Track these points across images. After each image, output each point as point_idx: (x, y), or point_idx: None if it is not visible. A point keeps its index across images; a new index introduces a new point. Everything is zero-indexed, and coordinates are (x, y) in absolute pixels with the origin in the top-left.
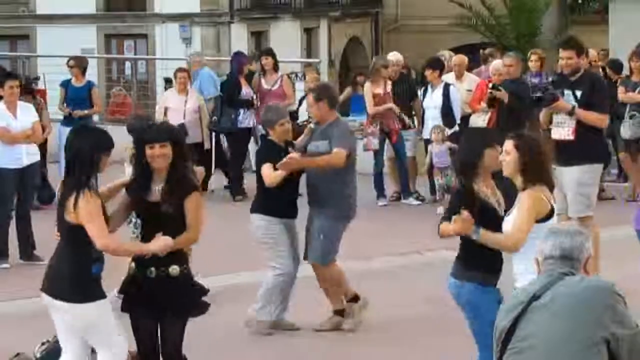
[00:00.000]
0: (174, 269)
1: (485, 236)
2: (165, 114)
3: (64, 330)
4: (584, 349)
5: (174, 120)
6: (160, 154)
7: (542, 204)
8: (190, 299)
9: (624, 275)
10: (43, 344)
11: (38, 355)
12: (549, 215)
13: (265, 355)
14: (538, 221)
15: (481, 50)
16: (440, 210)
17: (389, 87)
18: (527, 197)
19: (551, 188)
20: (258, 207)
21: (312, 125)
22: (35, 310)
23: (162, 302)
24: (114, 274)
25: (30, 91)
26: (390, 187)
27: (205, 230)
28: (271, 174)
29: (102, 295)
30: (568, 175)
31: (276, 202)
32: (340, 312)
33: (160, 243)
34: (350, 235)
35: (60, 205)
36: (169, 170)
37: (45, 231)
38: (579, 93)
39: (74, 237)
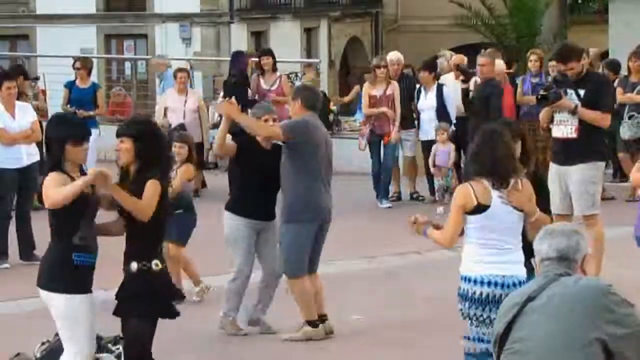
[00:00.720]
0: (133, 265)
1: (430, 235)
2: (165, 114)
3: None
4: (579, 350)
5: (174, 120)
6: (118, 149)
7: (466, 198)
8: (149, 298)
9: (623, 275)
10: (43, 343)
11: (38, 355)
12: (479, 208)
13: (263, 356)
14: (470, 213)
15: (482, 50)
16: (440, 210)
17: (390, 90)
18: (455, 193)
19: (498, 182)
20: (228, 204)
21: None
22: (35, 310)
23: (122, 300)
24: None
25: (22, 72)
26: (391, 187)
27: (204, 230)
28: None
29: (84, 290)
30: (573, 175)
31: (244, 202)
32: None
33: (91, 171)
34: (351, 236)
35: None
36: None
37: (45, 231)
38: (582, 92)
39: (54, 223)
